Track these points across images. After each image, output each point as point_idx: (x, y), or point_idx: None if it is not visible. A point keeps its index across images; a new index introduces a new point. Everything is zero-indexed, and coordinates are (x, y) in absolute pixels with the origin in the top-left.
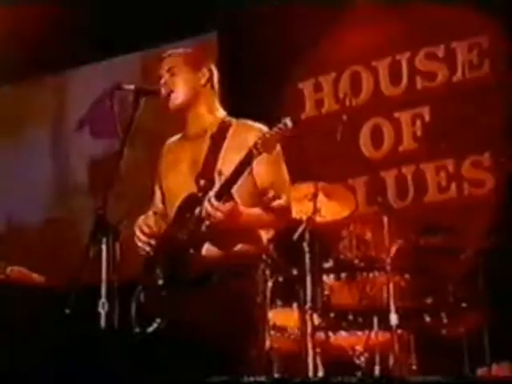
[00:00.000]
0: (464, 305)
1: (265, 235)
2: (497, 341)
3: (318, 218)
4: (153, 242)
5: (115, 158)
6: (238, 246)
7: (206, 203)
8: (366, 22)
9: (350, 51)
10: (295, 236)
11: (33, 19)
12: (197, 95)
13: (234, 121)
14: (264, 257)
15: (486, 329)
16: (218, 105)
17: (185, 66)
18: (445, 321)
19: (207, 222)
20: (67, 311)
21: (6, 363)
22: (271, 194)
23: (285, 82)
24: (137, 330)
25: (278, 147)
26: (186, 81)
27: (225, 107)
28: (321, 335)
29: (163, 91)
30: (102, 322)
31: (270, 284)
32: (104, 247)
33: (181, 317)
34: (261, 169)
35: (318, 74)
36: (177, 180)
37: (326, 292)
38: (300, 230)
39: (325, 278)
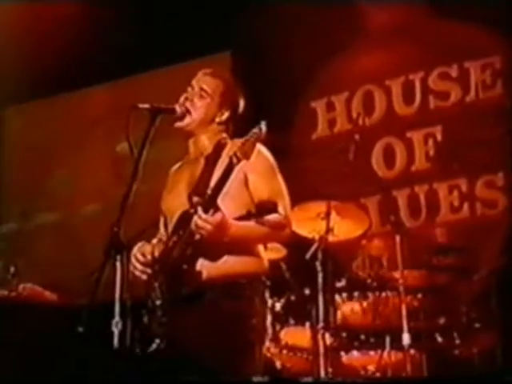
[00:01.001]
0: (477, 325)
1: (265, 253)
2: (510, 362)
3: (330, 237)
4: (149, 270)
5: (131, 178)
6: (232, 260)
7: (195, 217)
8: (380, 41)
9: (364, 70)
10: (308, 255)
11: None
12: (206, 127)
13: (228, 141)
14: (263, 278)
15: (499, 349)
16: (222, 135)
17: (217, 96)
18: (457, 341)
19: (197, 236)
20: (80, 329)
21: (18, 381)
22: (268, 206)
23: (298, 101)
24: (138, 350)
25: (272, 160)
26: (207, 111)
27: (237, 126)
28: (333, 355)
29: (178, 110)
30: (116, 341)
31: (273, 304)
32: (118, 265)
33: (178, 336)
34: (256, 182)
35: (330, 93)
36: (174, 201)
37: (339, 311)
38: (313, 249)
39: (337, 297)
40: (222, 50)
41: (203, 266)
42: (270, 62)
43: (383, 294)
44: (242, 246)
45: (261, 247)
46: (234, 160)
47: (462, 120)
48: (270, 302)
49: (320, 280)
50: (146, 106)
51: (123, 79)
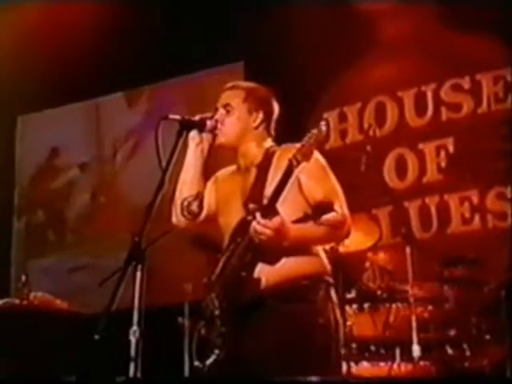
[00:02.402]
0: (487, 337)
1: (324, 254)
2: None
3: (341, 248)
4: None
5: (156, 188)
6: (292, 263)
7: (253, 223)
8: (393, 52)
9: (376, 81)
10: None
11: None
12: (246, 135)
13: (277, 148)
14: (326, 277)
15: (510, 361)
16: (267, 138)
17: (243, 104)
18: (468, 353)
19: (256, 242)
20: (96, 337)
21: None
22: (324, 205)
23: (309, 112)
24: (196, 363)
25: (323, 160)
26: (239, 121)
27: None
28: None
29: (208, 124)
30: (132, 351)
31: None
32: (138, 274)
33: (239, 347)
34: (310, 184)
35: (342, 103)
36: (230, 216)
37: (349, 323)
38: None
39: (347, 308)
40: (235, 60)
41: (262, 271)
42: (282, 73)
43: (393, 306)
44: (302, 248)
45: (319, 247)
46: (294, 163)
47: (473, 132)
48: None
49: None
50: (177, 117)
51: (136, 89)
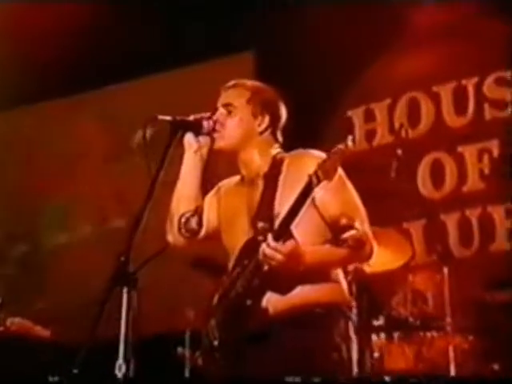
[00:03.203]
0: None
1: (344, 280)
2: None
3: (366, 268)
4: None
5: (145, 199)
6: (305, 290)
7: (263, 246)
8: (427, 41)
9: (408, 75)
10: None
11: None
12: (249, 141)
13: (286, 155)
14: (344, 307)
15: None
16: (273, 145)
17: (247, 105)
18: None
19: (266, 267)
20: (75, 371)
21: None
22: (342, 222)
23: (330, 110)
24: None
25: (340, 170)
26: (241, 124)
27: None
28: None
29: (205, 126)
30: None
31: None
32: (124, 298)
33: (238, 381)
34: (326, 198)
35: (370, 100)
36: (235, 235)
37: (376, 354)
38: (347, 280)
39: (374, 337)
40: (245, 48)
41: (271, 300)
42: (298, 65)
43: (428, 335)
44: (318, 274)
45: (339, 271)
46: (314, 180)
47: None
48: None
49: (354, 317)
50: (168, 118)
51: (137, 80)
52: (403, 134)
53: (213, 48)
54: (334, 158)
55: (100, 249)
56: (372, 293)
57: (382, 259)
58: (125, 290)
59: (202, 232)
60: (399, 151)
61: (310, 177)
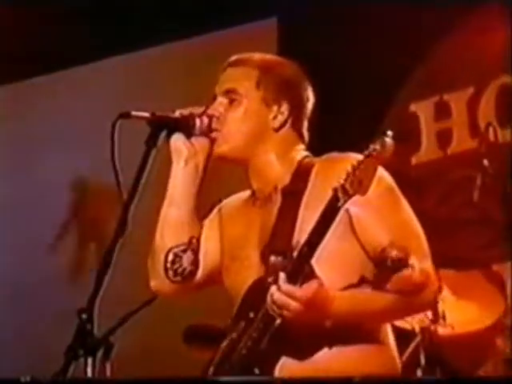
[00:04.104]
0: None
1: (394, 342)
2: None
3: (440, 329)
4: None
5: (115, 230)
6: (336, 357)
7: (272, 289)
8: None
9: (497, 54)
10: (405, 355)
11: None
12: (260, 142)
13: (315, 160)
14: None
15: None
16: (296, 146)
17: (255, 90)
18: None
19: (278, 321)
20: None
21: None
22: (391, 256)
23: (384, 101)
24: None
25: (389, 180)
26: (249, 117)
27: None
28: None
29: (198, 124)
30: None
31: None
32: (89, 370)
33: None
34: (368, 220)
35: (442, 89)
36: (240, 274)
37: None
38: (412, 345)
39: None
40: (267, 16)
41: (285, 369)
42: (334, 37)
43: None
44: (353, 330)
45: (388, 330)
46: (341, 195)
47: None
48: None
49: None
50: (145, 114)
51: (141, 51)
52: (491, 136)
53: (232, 15)
54: (366, 164)
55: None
56: (448, 361)
57: (462, 316)
58: (90, 362)
59: (199, 274)
60: (485, 161)
61: (335, 191)
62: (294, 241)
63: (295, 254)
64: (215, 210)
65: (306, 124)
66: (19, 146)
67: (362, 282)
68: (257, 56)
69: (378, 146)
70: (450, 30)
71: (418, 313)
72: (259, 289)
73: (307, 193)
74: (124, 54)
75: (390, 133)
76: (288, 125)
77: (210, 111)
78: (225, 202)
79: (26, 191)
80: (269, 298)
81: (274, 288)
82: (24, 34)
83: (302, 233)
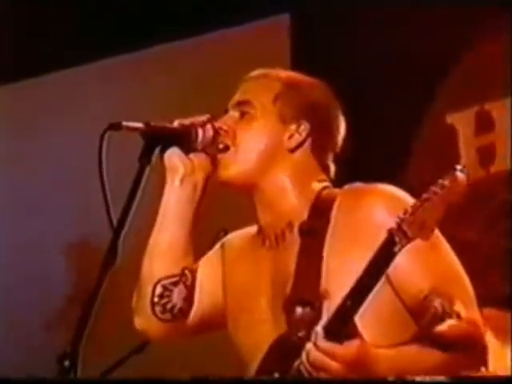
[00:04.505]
0: None
1: None
2: None
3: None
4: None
5: (104, 258)
6: None
7: (308, 347)
8: None
9: None
10: None
11: None
12: (273, 163)
13: (336, 191)
14: None
15: None
16: (316, 174)
17: (272, 105)
18: None
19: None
20: None
21: None
22: (433, 305)
23: (410, 111)
24: None
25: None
26: (262, 135)
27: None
28: None
29: (201, 137)
30: None
31: None
32: None
33: None
34: (403, 265)
35: (484, 95)
36: (254, 328)
37: None
38: None
39: None
40: (279, 11)
41: None
42: (351, 36)
43: None
44: None
45: None
46: (397, 239)
47: None
48: None
49: None
50: (138, 125)
51: (164, 45)
52: None
53: (243, 11)
54: (432, 203)
55: None
56: None
57: (506, 362)
58: None
59: (192, 314)
60: None
61: (392, 233)
62: (322, 287)
63: (333, 305)
64: (217, 246)
65: (330, 155)
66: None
67: (403, 336)
68: (284, 72)
69: (447, 182)
70: (492, 29)
71: (469, 371)
72: (285, 346)
73: (330, 232)
74: (121, 54)
75: (459, 167)
76: (306, 148)
77: (216, 123)
78: (228, 237)
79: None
80: (304, 357)
81: (310, 346)
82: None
83: (329, 279)
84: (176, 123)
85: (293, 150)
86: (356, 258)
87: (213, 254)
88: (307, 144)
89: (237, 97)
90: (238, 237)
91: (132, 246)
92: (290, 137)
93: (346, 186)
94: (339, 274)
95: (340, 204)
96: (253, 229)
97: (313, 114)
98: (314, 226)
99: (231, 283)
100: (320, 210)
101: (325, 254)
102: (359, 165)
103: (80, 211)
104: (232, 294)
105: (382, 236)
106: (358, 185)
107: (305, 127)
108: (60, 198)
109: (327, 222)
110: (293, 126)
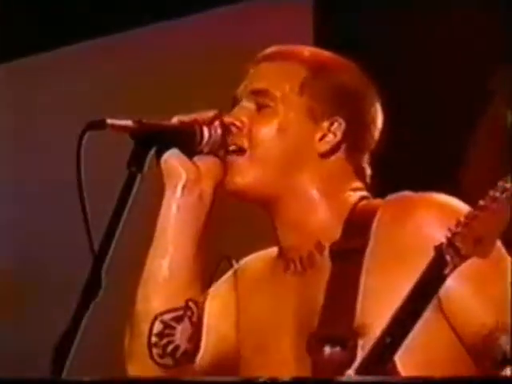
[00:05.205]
0: None
1: None
2: None
3: None
4: None
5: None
6: None
7: None
8: None
9: None
10: None
11: None
12: (299, 171)
13: (376, 202)
14: None
15: None
16: (351, 183)
17: (297, 96)
18: None
19: None
20: None
21: None
22: (494, 340)
23: (467, 110)
24: None
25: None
26: (286, 134)
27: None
28: None
29: (206, 136)
30: None
31: None
32: None
33: None
34: (463, 294)
35: None
36: (273, 366)
37: None
38: None
39: None
40: None
41: None
42: (386, 18)
43: None
44: None
45: None
46: (450, 259)
47: None
48: None
49: None
50: (127, 123)
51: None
52: None
53: None
54: (490, 212)
55: None
56: None
57: None
58: None
59: (199, 357)
60: None
61: (441, 250)
62: (357, 322)
63: (368, 341)
64: (229, 273)
65: (366, 156)
66: None
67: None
68: (307, 50)
69: (509, 185)
70: None
71: None
72: None
73: (368, 253)
74: (110, 34)
75: None
76: (341, 151)
77: (226, 119)
78: (243, 262)
79: None
80: None
81: None
82: None
83: (366, 312)
84: (175, 120)
85: (325, 155)
86: (400, 284)
87: (223, 283)
88: (342, 146)
89: (250, 83)
90: (254, 261)
91: (121, 273)
92: (322, 138)
93: (390, 197)
94: (379, 304)
95: (381, 218)
96: (272, 251)
97: (347, 105)
98: (349, 246)
99: (245, 316)
100: (356, 227)
101: (362, 281)
102: (401, 172)
103: None
104: (245, 329)
105: (432, 254)
106: (407, 193)
107: (340, 125)
108: None
109: (365, 241)
110: (325, 124)
